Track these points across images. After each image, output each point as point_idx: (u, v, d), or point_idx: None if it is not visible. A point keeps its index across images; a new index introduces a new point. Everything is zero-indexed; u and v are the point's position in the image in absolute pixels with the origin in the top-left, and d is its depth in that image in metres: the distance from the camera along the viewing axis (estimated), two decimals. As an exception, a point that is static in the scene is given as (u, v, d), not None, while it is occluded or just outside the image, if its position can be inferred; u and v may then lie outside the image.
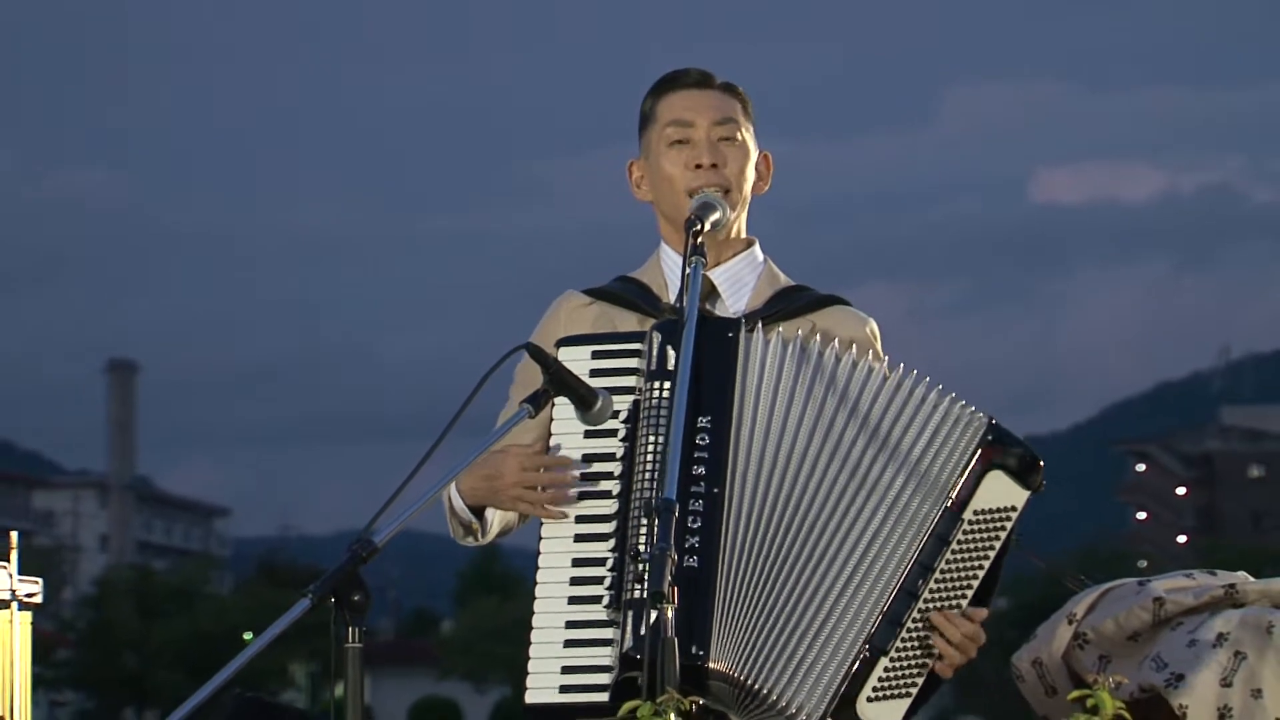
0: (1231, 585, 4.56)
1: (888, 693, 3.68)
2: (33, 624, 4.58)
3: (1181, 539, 77.13)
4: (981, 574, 3.75)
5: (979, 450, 3.75)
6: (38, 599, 4.55)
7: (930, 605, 3.71)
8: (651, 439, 3.64)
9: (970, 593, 3.74)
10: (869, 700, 3.67)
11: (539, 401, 3.65)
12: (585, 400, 3.66)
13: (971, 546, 3.74)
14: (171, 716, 3.31)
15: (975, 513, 3.74)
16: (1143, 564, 53.74)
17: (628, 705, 3.13)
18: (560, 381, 3.64)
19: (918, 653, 3.71)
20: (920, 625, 3.71)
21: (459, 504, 3.86)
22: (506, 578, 66.84)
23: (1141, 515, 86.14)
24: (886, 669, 3.68)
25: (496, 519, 3.89)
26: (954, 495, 3.72)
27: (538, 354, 3.65)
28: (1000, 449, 3.76)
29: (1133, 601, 4.57)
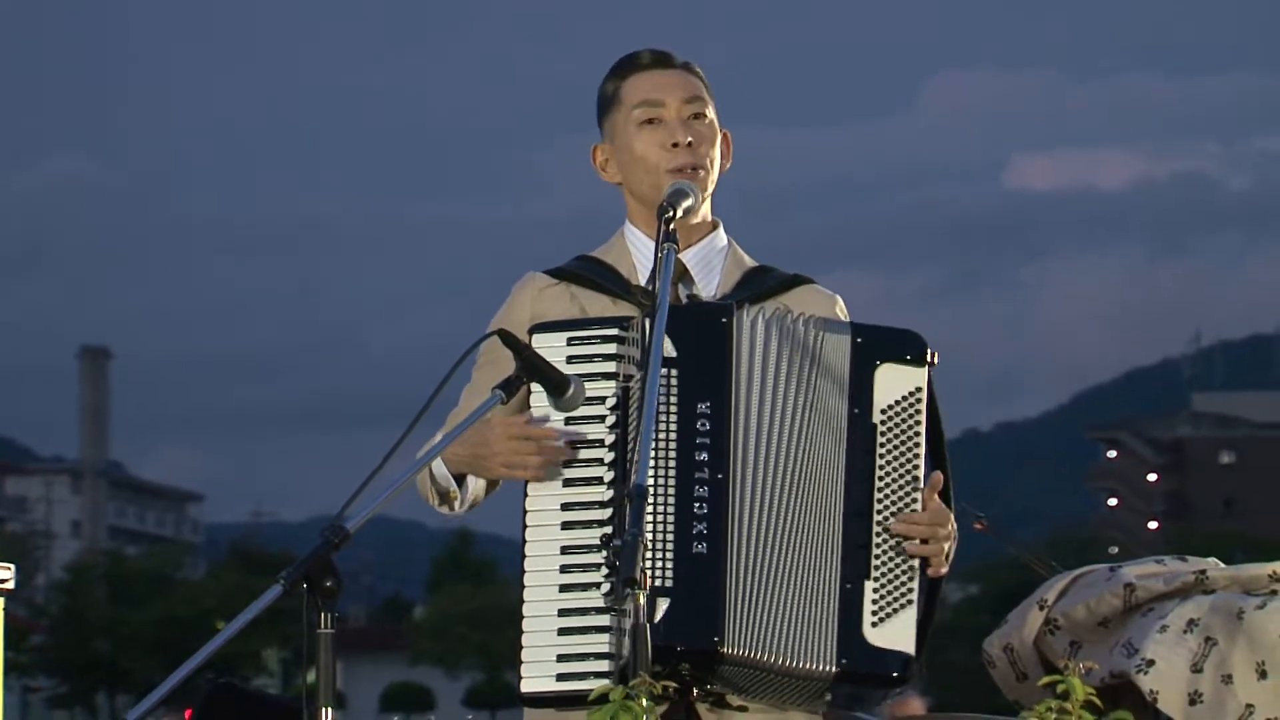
0: (1202, 571, 4.58)
1: (888, 611, 3.68)
2: (5, 610, 4.57)
3: (1152, 525, 77.31)
4: (919, 460, 3.73)
5: (853, 354, 3.74)
6: (10, 585, 4.55)
7: (887, 512, 3.70)
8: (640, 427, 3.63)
9: (918, 484, 3.73)
10: (873, 626, 3.67)
11: (512, 388, 3.64)
12: (558, 387, 3.65)
13: (897, 443, 3.73)
14: (144, 702, 3.30)
15: (883, 411, 3.73)
16: (1114, 550, 53.89)
17: (599, 689, 3.14)
18: (533, 367, 3.64)
19: (900, 564, 3.70)
20: (886, 537, 3.70)
21: (440, 470, 3.83)
22: (479, 564, 66.84)
23: (1112, 501, 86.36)
24: (876, 590, 3.68)
25: (471, 489, 3.87)
26: (857, 408, 3.72)
27: (510, 340, 3.65)
28: (873, 344, 3.75)
29: (1104, 587, 4.58)
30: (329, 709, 3.36)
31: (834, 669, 3.65)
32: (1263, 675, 4.40)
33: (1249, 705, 4.39)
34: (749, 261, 3.99)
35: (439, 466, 3.84)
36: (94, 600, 58.85)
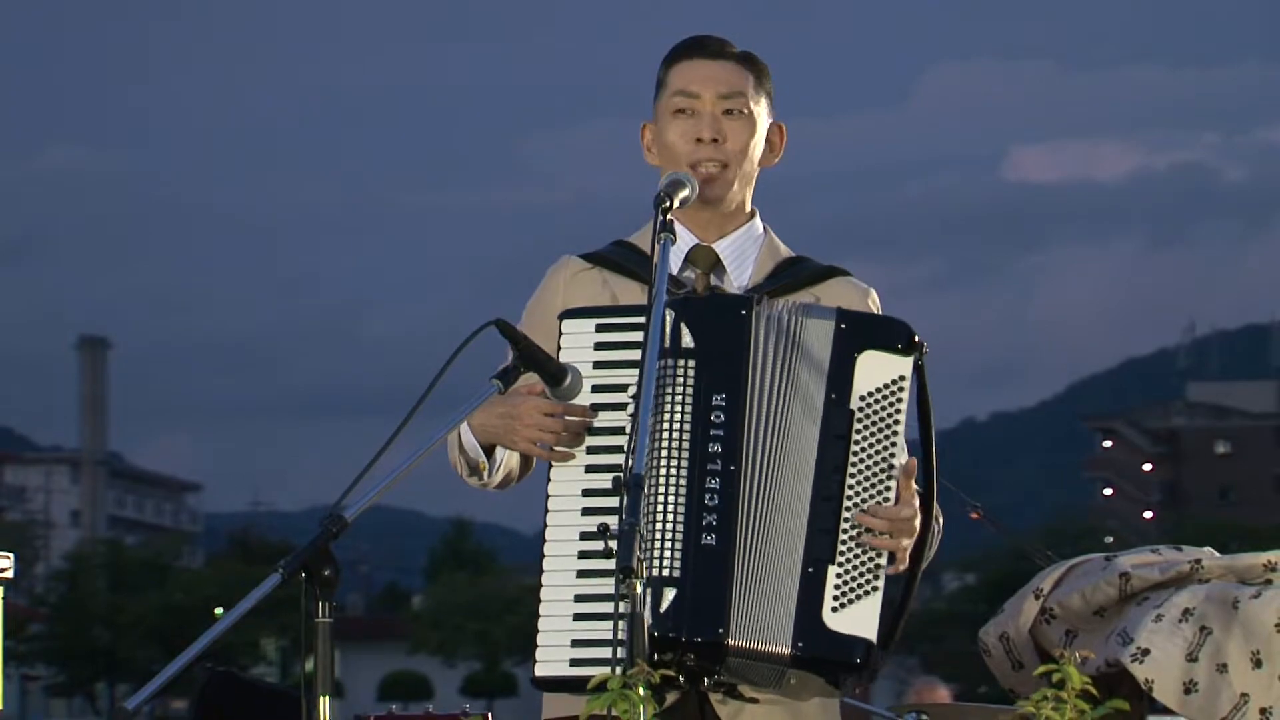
0: (1197, 561, 4.59)
1: (850, 597, 3.66)
2: (5, 599, 4.59)
3: (1148, 514, 77.42)
4: (896, 448, 3.71)
5: (836, 340, 3.72)
6: (9, 574, 4.56)
7: (858, 498, 3.69)
8: (664, 416, 3.64)
9: (893, 472, 3.70)
10: (833, 611, 3.65)
11: (508, 377, 3.66)
12: (555, 376, 3.67)
13: (874, 430, 3.71)
14: (143, 690, 3.32)
15: (862, 398, 3.71)
16: (1109, 539, 53.86)
17: (597, 677, 3.15)
18: (529, 357, 3.65)
19: (866, 551, 3.68)
20: (855, 523, 3.67)
21: (469, 440, 3.83)
22: (477, 553, 66.90)
23: (1108, 491, 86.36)
24: (839, 575, 3.66)
25: (504, 463, 3.87)
26: (835, 393, 3.71)
27: (506, 330, 3.66)
28: (856, 330, 3.74)
29: (1099, 577, 4.59)
30: (327, 697, 3.38)
31: (789, 652, 3.63)
32: (1257, 664, 4.41)
33: (1244, 694, 4.40)
34: (784, 252, 3.99)
35: (467, 437, 3.83)
36: (93, 589, 58.91)
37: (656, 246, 3.69)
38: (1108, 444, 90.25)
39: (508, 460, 3.86)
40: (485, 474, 3.85)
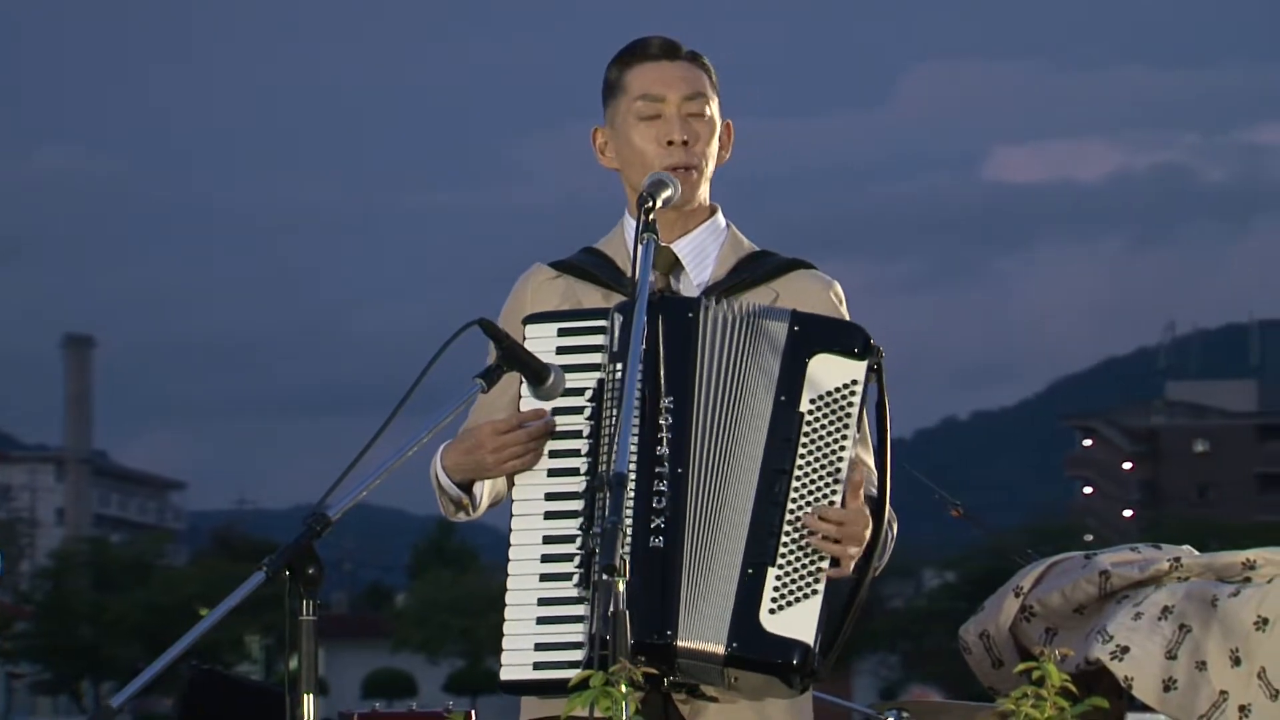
0: (1176, 559, 4.61)
1: (789, 599, 3.65)
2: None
3: (1127, 513, 77.46)
4: (845, 452, 3.69)
5: (789, 342, 3.72)
6: (-5, 572, 4.56)
7: (802, 501, 3.67)
8: (613, 418, 3.65)
9: (840, 475, 3.68)
10: (771, 613, 3.64)
11: (491, 376, 3.68)
12: (538, 375, 3.69)
13: (823, 433, 3.69)
14: (128, 688, 3.33)
15: (812, 401, 3.70)
16: (1089, 537, 53.93)
17: (579, 675, 3.16)
18: (513, 357, 3.67)
19: (807, 555, 3.66)
20: (797, 526, 3.66)
21: (446, 481, 3.87)
22: (461, 551, 66.86)
23: (1088, 489, 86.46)
24: (778, 578, 3.65)
25: (486, 491, 3.89)
26: (784, 395, 3.70)
27: (491, 329, 3.68)
28: (810, 333, 3.73)
29: (1079, 575, 4.62)
30: (311, 695, 3.39)
31: (723, 651, 3.63)
32: (1236, 662, 4.43)
33: (1223, 692, 4.42)
34: (747, 246, 3.99)
35: (444, 479, 3.87)
36: (78, 587, 58.83)
37: (639, 246, 3.71)
38: (1088, 443, 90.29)
39: (490, 486, 3.89)
40: (470, 509, 3.89)
